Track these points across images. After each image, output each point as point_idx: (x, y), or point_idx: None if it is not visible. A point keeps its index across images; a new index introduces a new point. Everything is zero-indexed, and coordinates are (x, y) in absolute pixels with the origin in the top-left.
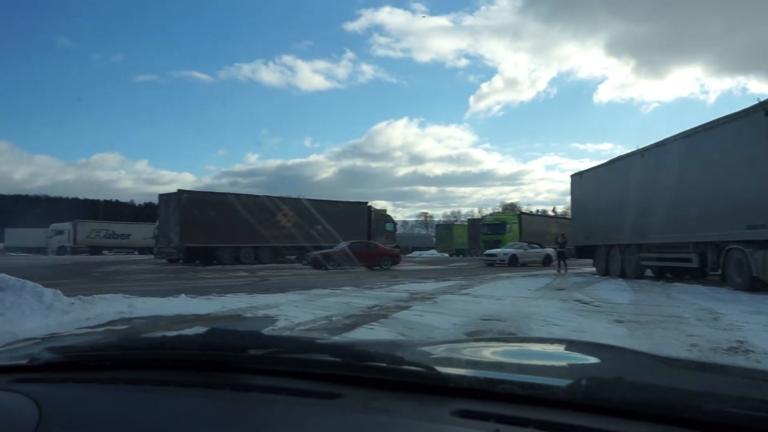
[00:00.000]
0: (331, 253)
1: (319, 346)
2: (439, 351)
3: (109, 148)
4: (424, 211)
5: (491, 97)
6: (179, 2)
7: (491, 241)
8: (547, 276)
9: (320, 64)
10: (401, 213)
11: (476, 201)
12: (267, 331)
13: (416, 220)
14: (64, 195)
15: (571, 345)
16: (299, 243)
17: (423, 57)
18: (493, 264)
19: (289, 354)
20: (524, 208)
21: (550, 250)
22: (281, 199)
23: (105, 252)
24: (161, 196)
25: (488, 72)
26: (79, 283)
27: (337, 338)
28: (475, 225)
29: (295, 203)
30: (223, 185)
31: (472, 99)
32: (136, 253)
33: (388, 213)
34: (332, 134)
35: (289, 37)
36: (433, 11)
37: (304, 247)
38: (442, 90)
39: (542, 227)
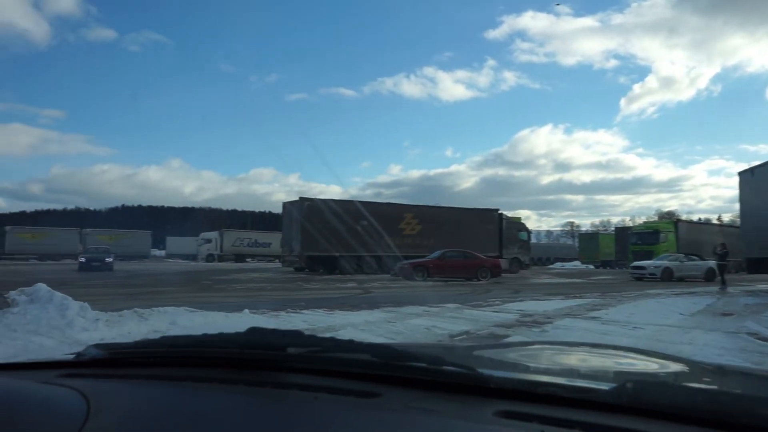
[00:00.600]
0: (421, 264)
1: (359, 345)
2: (481, 353)
3: (265, 163)
4: (571, 220)
5: (644, 99)
6: (326, 24)
7: (641, 252)
8: (707, 295)
9: (461, 73)
10: (546, 223)
11: (629, 209)
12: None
13: (562, 230)
14: (225, 207)
15: (616, 350)
16: (424, 252)
17: (568, 60)
18: (641, 278)
19: (328, 353)
20: (684, 217)
21: (712, 263)
22: (405, 206)
23: (248, 260)
24: (285, 205)
25: (641, 72)
26: (176, 292)
27: None
28: (623, 234)
29: (419, 210)
30: (368, 196)
31: (623, 101)
32: (277, 261)
33: (529, 222)
34: (474, 143)
35: (430, 49)
36: (579, 12)
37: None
38: (590, 93)
39: (704, 236)
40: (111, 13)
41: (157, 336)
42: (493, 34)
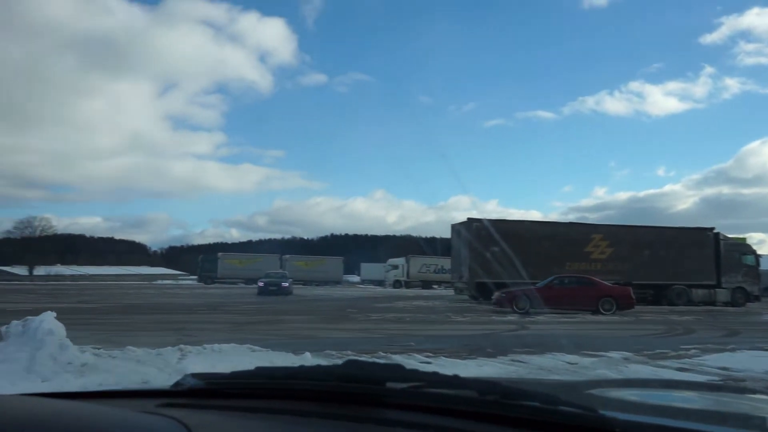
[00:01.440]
0: (524, 292)
1: (464, 381)
2: (601, 392)
3: (463, 190)
4: None
5: None
6: (521, 48)
7: None
8: None
9: (673, 85)
10: None
11: None
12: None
13: None
14: (424, 234)
15: (743, 392)
16: (616, 278)
17: None
18: None
19: (432, 389)
20: None
21: None
22: (592, 225)
23: (434, 286)
24: (453, 227)
25: None
26: (299, 322)
27: None
28: None
29: (610, 230)
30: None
31: None
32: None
33: (763, 247)
34: (690, 160)
35: (635, 62)
36: None
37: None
38: None
39: None
40: (322, 60)
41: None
42: (710, 38)
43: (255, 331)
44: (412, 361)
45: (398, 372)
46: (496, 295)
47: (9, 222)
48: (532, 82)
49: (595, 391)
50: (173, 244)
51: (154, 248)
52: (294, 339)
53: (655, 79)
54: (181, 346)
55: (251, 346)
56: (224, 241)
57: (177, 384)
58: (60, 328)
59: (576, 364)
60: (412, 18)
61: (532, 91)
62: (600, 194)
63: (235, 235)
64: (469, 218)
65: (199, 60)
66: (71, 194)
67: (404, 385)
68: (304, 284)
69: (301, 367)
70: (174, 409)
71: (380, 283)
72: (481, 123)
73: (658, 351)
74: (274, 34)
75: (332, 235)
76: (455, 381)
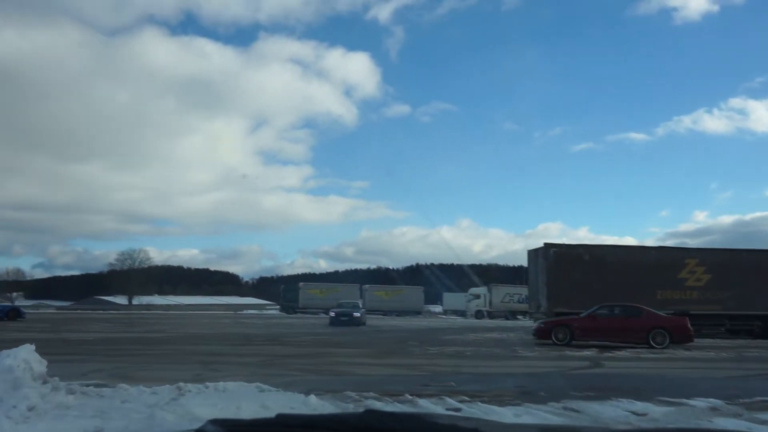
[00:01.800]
0: (562, 323)
1: (492, 429)
2: None
3: (552, 218)
4: None
5: None
6: (610, 70)
7: None
8: None
9: None
10: None
11: None
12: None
13: None
14: (511, 263)
15: None
16: (715, 309)
17: None
18: None
19: None
20: None
21: None
22: (686, 250)
23: (519, 317)
24: (529, 253)
25: None
26: (346, 356)
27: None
28: None
29: (706, 255)
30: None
31: None
32: None
33: None
34: None
35: (735, 77)
36: None
37: (724, 315)
38: None
39: None
40: (405, 91)
41: None
42: None
43: (289, 366)
44: (439, 408)
45: (416, 422)
46: (536, 324)
47: (114, 255)
48: (622, 103)
49: None
50: (264, 274)
51: (246, 279)
52: (325, 375)
53: (759, 94)
54: (180, 384)
55: (260, 384)
56: (312, 271)
57: (198, 431)
58: (39, 363)
59: (644, 415)
60: (495, 45)
61: (622, 112)
62: (701, 218)
63: (323, 266)
64: (545, 243)
65: (288, 97)
66: (171, 228)
67: None
68: (384, 314)
69: (321, 415)
70: None
71: (462, 313)
72: (568, 147)
73: (758, 399)
74: (358, 68)
75: (417, 264)
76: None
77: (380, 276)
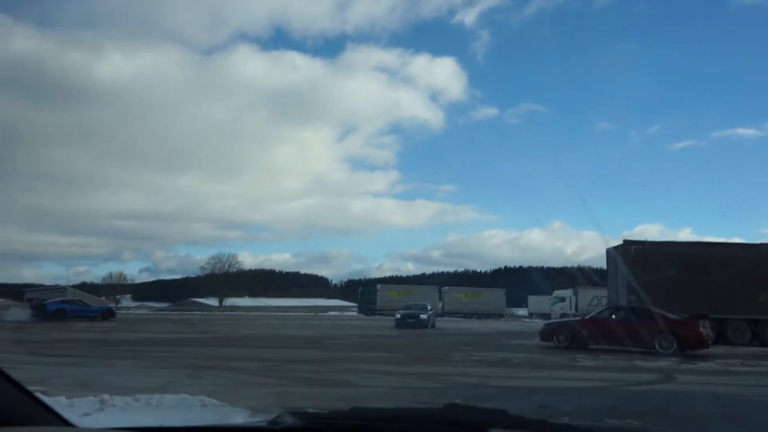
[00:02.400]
0: (564, 325)
1: (576, 428)
2: None
3: (651, 219)
4: None
5: None
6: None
7: None
8: None
9: None
10: None
11: None
12: None
13: None
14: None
15: None
16: None
17: None
18: None
19: None
20: None
21: None
22: None
23: None
24: (608, 252)
25: None
26: (359, 361)
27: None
28: None
29: None
30: None
31: None
32: None
33: None
34: None
35: None
36: None
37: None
38: None
39: None
40: (493, 94)
41: None
42: None
43: (285, 373)
44: None
45: (501, 417)
46: (542, 326)
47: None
48: (728, 97)
49: None
50: (352, 277)
51: (334, 281)
52: (316, 386)
53: None
54: (105, 396)
55: (205, 398)
56: (400, 274)
57: (274, 422)
58: None
59: None
60: (586, 42)
61: (728, 107)
62: None
63: (410, 269)
64: (625, 240)
65: (374, 104)
66: (264, 233)
67: None
68: (464, 317)
69: (400, 409)
70: None
71: (548, 316)
72: (668, 146)
73: None
74: (444, 72)
75: (506, 267)
76: (566, 429)
77: (466, 279)
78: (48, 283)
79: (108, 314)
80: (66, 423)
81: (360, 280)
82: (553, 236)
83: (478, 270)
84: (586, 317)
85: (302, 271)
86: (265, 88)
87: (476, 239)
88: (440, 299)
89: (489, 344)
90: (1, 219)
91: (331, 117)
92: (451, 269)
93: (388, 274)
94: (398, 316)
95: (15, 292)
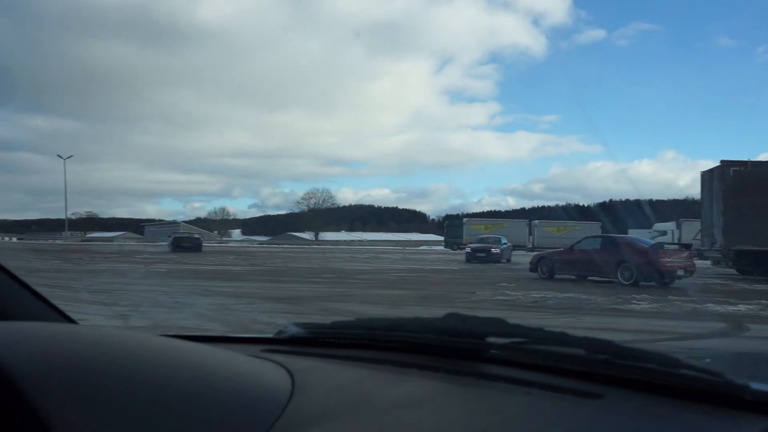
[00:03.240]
0: (548, 255)
1: (572, 339)
2: (726, 357)
3: None
4: None
5: None
6: None
7: None
8: None
9: None
10: None
11: None
12: None
13: None
14: None
15: None
16: None
17: None
18: None
19: (537, 345)
20: None
21: None
22: None
23: None
24: (702, 175)
25: None
26: (353, 301)
27: None
28: None
29: None
30: None
31: None
32: None
33: None
34: None
35: None
36: None
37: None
38: None
39: None
40: (600, 14)
41: None
42: None
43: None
44: None
45: (500, 326)
46: (536, 255)
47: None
48: None
49: (722, 358)
50: (451, 212)
51: (432, 216)
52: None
53: None
54: None
55: None
56: (500, 209)
57: (280, 332)
58: None
59: None
60: None
61: None
62: None
63: (511, 203)
64: (723, 161)
65: (473, 32)
66: (364, 169)
67: (506, 341)
68: None
69: (401, 318)
70: (277, 355)
71: None
72: None
73: None
74: None
75: (611, 200)
76: (562, 338)
77: (570, 212)
78: (167, 218)
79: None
80: (69, 319)
81: (458, 215)
82: (665, 167)
83: (582, 204)
84: (568, 248)
85: (401, 206)
86: (361, 22)
87: (580, 171)
88: (530, 233)
89: (541, 282)
90: (124, 158)
91: (427, 48)
92: (553, 203)
93: (487, 208)
94: (468, 249)
95: (137, 225)
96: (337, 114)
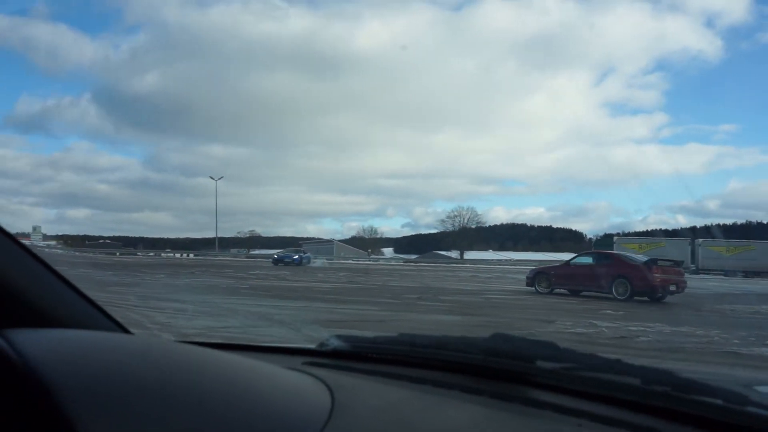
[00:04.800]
0: (543, 271)
1: (628, 367)
2: None
3: None
4: None
5: None
6: None
7: None
8: None
9: None
10: None
11: None
12: None
13: None
14: None
15: None
16: None
17: None
18: None
19: (590, 372)
20: None
21: None
22: None
23: None
24: None
25: None
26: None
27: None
28: None
29: None
30: None
31: None
32: None
33: None
34: None
35: None
36: None
37: None
38: None
39: None
40: None
41: None
42: None
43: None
44: None
45: (551, 350)
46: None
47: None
48: None
49: None
50: (611, 231)
51: (590, 236)
52: None
53: None
54: None
55: None
56: (667, 227)
57: (321, 344)
58: None
59: None
60: None
61: None
62: None
63: (681, 221)
64: None
65: (636, 39)
66: (518, 187)
67: (556, 365)
68: (725, 275)
69: (446, 336)
70: (317, 369)
71: None
72: None
73: None
74: None
75: None
76: (617, 366)
77: (749, 230)
78: (326, 236)
79: (308, 261)
80: (124, 330)
81: (617, 233)
82: None
83: (765, 222)
84: (566, 263)
85: (555, 225)
86: (514, 37)
87: (765, 186)
88: (692, 253)
89: (671, 311)
90: (289, 181)
91: (585, 60)
92: (730, 221)
93: (653, 227)
94: None
95: (296, 244)
96: (491, 132)
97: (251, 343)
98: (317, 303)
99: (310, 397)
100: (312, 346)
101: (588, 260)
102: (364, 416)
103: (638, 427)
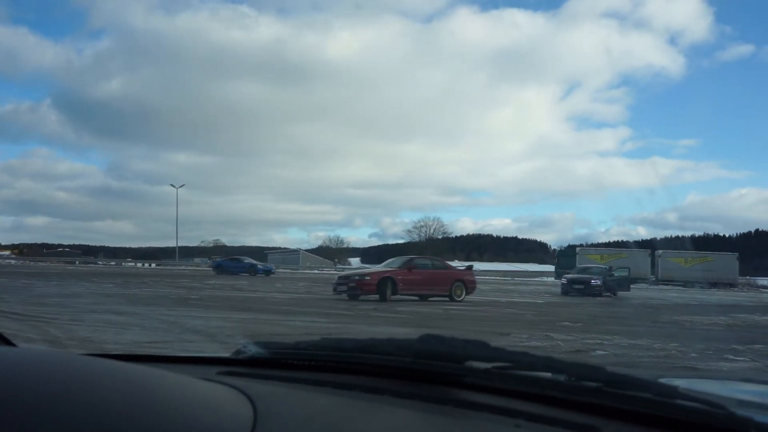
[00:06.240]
0: (386, 275)
1: (560, 364)
2: (724, 386)
3: None
4: None
5: None
6: None
7: None
8: None
9: None
10: None
11: None
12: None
13: None
14: None
15: None
16: None
17: None
18: None
19: (522, 371)
20: None
21: None
22: None
23: None
24: None
25: None
26: None
27: None
28: None
29: None
30: None
31: None
32: None
33: None
34: None
35: None
36: None
37: None
38: None
39: None
40: (747, 28)
41: None
42: None
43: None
44: None
45: (482, 350)
46: (339, 278)
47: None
48: None
49: (722, 386)
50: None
51: (554, 246)
52: None
53: None
54: None
55: None
56: (628, 239)
57: (238, 351)
58: None
59: None
60: None
61: None
62: None
63: (641, 233)
64: None
65: (602, 55)
66: (485, 198)
67: (488, 365)
68: (683, 285)
69: (373, 339)
70: (235, 378)
71: None
72: None
73: None
74: (686, 10)
75: (757, 230)
76: (549, 363)
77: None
78: (292, 246)
79: (252, 271)
80: (9, 343)
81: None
82: None
83: (722, 234)
84: (394, 268)
85: (521, 236)
86: (484, 50)
87: (722, 199)
88: (652, 264)
89: (629, 322)
90: (255, 190)
91: (553, 74)
92: (689, 233)
93: (615, 238)
94: (564, 280)
95: (262, 253)
96: (458, 143)
97: (159, 354)
98: (265, 315)
99: (229, 408)
100: (227, 354)
101: (425, 266)
102: (291, 427)
103: (575, 424)
